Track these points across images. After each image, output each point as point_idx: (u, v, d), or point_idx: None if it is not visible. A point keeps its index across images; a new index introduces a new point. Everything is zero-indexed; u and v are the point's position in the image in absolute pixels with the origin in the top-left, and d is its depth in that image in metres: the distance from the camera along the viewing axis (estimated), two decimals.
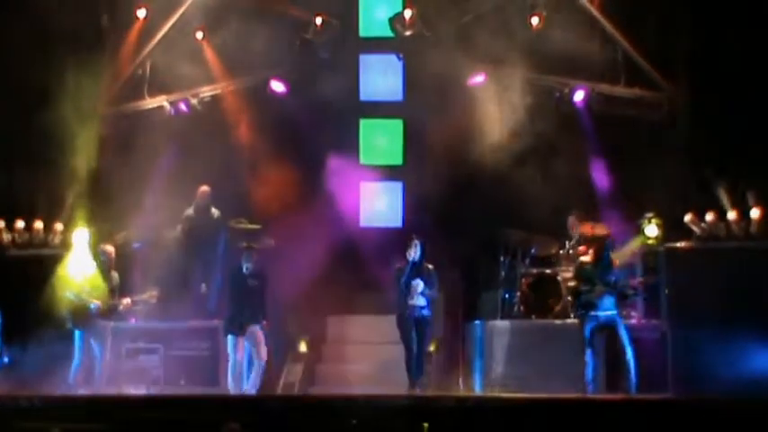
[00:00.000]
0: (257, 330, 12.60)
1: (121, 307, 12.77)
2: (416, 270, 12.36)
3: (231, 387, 12.57)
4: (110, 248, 12.97)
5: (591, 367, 11.81)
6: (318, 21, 14.79)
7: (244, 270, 12.71)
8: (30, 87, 13.99)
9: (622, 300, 12.14)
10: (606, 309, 11.90)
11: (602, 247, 12.07)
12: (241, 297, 12.68)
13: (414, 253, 12.37)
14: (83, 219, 14.00)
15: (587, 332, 11.91)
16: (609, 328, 11.88)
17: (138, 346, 13.51)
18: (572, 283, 12.39)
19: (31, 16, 13.99)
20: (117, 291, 12.83)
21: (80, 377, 12.61)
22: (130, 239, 14.28)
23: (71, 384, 12.51)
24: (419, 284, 12.32)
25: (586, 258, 12.27)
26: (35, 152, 14.08)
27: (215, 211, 14.27)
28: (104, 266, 12.81)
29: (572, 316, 12.97)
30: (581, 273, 12.14)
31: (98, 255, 12.93)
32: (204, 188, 14.27)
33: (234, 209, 14.52)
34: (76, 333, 12.67)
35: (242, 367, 12.52)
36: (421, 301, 12.36)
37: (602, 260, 12.03)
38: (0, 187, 14.41)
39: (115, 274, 12.93)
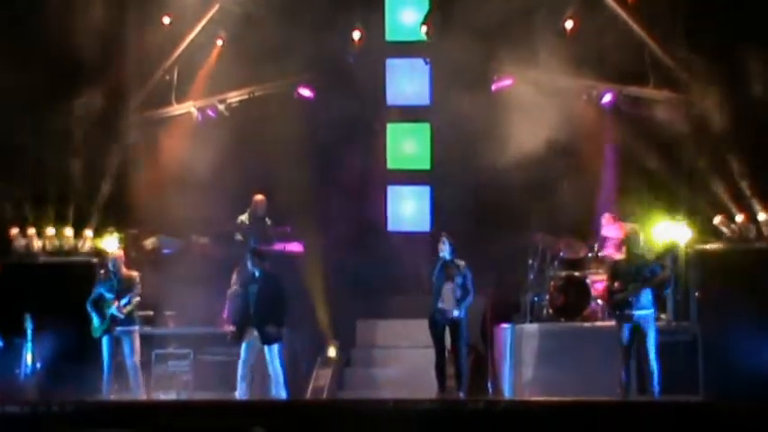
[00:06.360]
0: (266, 345, 12.30)
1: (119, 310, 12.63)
2: (447, 267, 12.31)
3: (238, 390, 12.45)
4: (117, 253, 12.91)
5: (624, 371, 11.78)
6: (357, 36, 14.86)
7: (255, 275, 12.47)
8: (58, 95, 14.07)
9: (660, 289, 11.98)
10: (642, 307, 11.76)
11: (627, 243, 12.02)
12: (247, 303, 12.45)
13: (443, 249, 12.33)
14: (112, 225, 14.10)
15: (625, 333, 11.79)
16: (641, 329, 11.77)
17: (167, 351, 13.56)
18: (606, 284, 12.31)
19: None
20: (134, 291, 12.64)
21: (113, 383, 12.61)
22: (160, 246, 14.34)
23: (104, 390, 12.52)
24: (450, 288, 12.28)
25: (619, 256, 12.20)
26: (64, 160, 14.16)
27: (269, 221, 14.23)
28: (114, 272, 12.71)
29: (602, 317, 12.97)
30: (615, 272, 12.04)
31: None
32: (260, 197, 14.19)
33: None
34: (104, 339, 12.66)
35: (245, 371, 12.33)
36: (452, 305, 12.29)
37: (631, 256, 11.96)
38: (31, 195, 14.49)
39: (132, 274, 12.77)
